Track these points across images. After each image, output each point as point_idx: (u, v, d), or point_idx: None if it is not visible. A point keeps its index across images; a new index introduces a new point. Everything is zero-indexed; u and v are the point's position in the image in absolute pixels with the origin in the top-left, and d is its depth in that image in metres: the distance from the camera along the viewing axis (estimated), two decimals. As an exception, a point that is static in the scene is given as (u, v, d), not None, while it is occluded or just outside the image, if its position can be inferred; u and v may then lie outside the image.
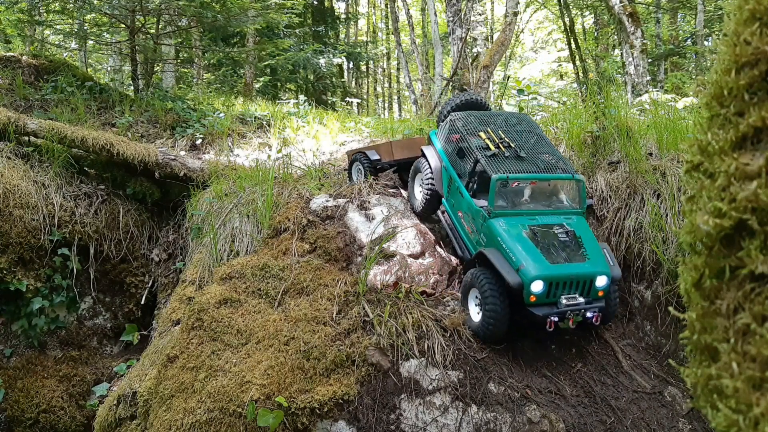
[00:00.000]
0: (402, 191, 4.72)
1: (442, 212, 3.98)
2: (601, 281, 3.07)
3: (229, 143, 6.46)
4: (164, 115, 6.59)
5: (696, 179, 0.65)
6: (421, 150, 4.15)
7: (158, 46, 8.01)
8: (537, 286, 2.92)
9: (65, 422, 4.24)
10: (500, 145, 3.49)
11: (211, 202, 4.80)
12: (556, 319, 2.95)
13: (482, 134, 3.59)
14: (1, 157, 4.69)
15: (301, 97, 12.14)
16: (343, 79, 19.35)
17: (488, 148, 3.45)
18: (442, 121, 4.21)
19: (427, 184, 3.92)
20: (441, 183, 3.89)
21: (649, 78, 9.74)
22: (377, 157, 4.85)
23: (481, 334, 3.14)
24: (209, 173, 5.30)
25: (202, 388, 2.91)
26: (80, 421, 4.30)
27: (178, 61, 11.90)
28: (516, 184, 3.33)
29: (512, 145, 3.50)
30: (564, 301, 2.98)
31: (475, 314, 3.23)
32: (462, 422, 2.84)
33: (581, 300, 3.01)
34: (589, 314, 3.00)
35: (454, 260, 4.03)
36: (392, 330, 3.14)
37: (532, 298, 2.94)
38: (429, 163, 3.97)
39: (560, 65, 21.15)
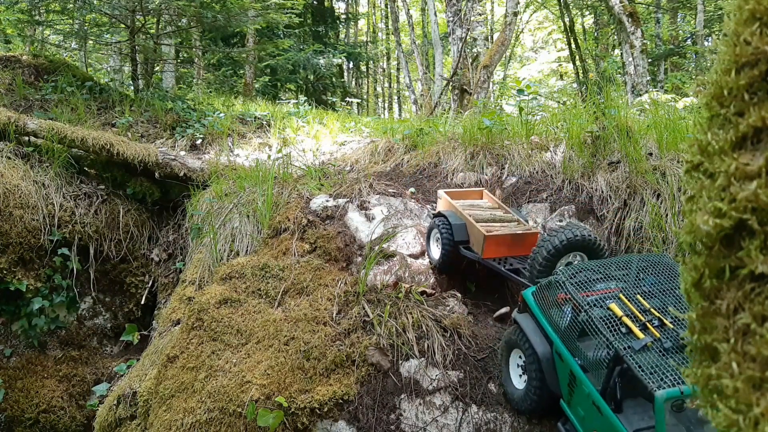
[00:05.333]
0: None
1: (563, 423, 2.63)
2: None
3: (229, 143, 6.46)
4: (164, 115, 6.58)
5: (696, 179, 0.65)
6: (514, 318, 2.88)
7: (158, 46, 8.01)
8: None
9: (65, 422, 4.24)
10: (648, 324, 2.25)
11: (211, 202, 4.80)
12: None
13: (614, 306, 2.37)
14: (1, 157, 4.69)
15: (301, 98, 12.14)
16: (343, 80, 19.34)
17: (631, 332, 2.24)
18: (541, 275, 2.95)
19: (535, 380, 2.69)
20: (553, 375, 2.62)
21: (649, 78, 9.74)
22: (464, 237, 3.49)
23: None
24: (209, 173, 5.30)
25: (202, 388, 2.91)
26: (80, 421, 4.30)
27: (178, 61, 11.90)
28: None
29: (666, 321, 2.25)
30: None
31: None
32: (462, 422, 2.84)
33: None
34: None
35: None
36: (392, 330, 3.14)
37: None
38: (531, 343, 2.69)
39: (560, 65, 21.15)
